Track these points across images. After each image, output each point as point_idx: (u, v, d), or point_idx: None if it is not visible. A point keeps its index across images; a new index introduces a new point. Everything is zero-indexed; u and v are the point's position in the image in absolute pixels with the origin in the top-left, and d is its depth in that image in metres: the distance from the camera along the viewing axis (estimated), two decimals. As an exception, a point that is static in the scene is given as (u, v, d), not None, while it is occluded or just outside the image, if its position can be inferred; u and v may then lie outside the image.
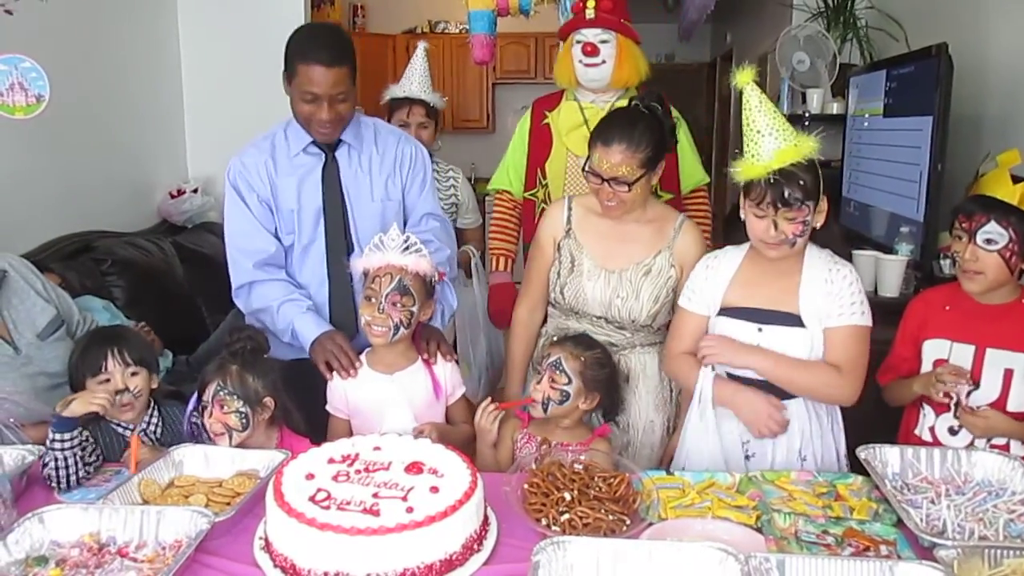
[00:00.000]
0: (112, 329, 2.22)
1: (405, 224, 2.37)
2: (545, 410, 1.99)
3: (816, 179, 1.84)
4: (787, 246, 1.87)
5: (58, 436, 1.73)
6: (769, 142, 1.82)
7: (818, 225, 1.89)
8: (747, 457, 2.01)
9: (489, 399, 2.05)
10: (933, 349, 2.02)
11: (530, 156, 2.97)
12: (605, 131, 2.14)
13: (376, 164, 2.35)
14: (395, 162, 2.37)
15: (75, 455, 1.75)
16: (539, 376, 2.02)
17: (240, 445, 1.86)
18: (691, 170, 2.93)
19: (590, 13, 2.77)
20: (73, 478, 1.75)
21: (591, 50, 2.76)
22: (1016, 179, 1.87)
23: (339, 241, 2.30)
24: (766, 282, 1.96)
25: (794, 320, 1.91)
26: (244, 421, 1.86)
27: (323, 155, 2.30)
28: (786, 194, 1.81)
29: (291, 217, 2.28)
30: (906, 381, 2.06)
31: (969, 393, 1.93)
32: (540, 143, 2.94)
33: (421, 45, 3.43)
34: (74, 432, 1.75)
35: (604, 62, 2.77)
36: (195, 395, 1.92)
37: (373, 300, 2.00)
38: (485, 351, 3.24)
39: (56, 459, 1.73)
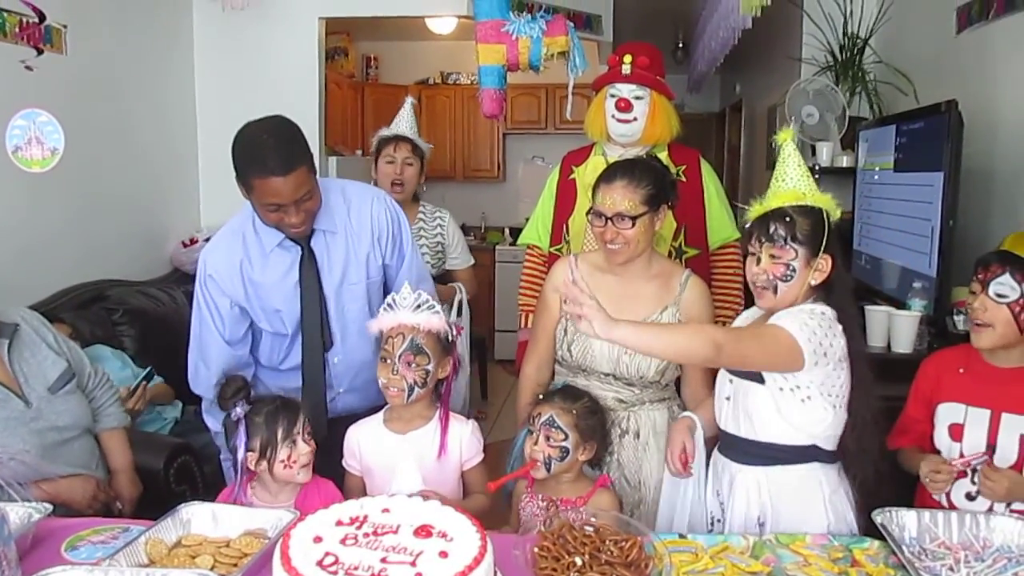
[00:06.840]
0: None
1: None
2: (548, 469, 1.97)
3: (815, 230, 1.81)
4: (770, 292, 1.84)
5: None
6: (778, 187, 1.86)
7: (814, 281, 1.83)
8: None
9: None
10: (947, 413, 1.99)
11: (556, 210, 2.94)
12: (607, 172, 2.21)
13: (353, 243, 2.27)
14: (372, 236, 2.30)
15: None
16: (534, 436, 1.99)
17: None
18: (719, 225, 2.84)
19: (626, 68, 2.75)
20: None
21: (625, 106, 2.74)
22: None
23: (316, 339, 2.28)
24: None
25: (756, 375, 1.85)
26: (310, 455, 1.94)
27: (299, 248, 2.22)
28: (771, 229, 1.81)
29: (276, 316, 2.25)
30: (915, 456, 2.00)
31: (980, 461, 1.88)
32: (566, 198, 2.92)
33: (408, 99, 3.56)
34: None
35: (636, 119, 2.75)
36: (239, 449, 1.91)
37: (388, 361, 2.00)
38: (466, 390, 3.19)
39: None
